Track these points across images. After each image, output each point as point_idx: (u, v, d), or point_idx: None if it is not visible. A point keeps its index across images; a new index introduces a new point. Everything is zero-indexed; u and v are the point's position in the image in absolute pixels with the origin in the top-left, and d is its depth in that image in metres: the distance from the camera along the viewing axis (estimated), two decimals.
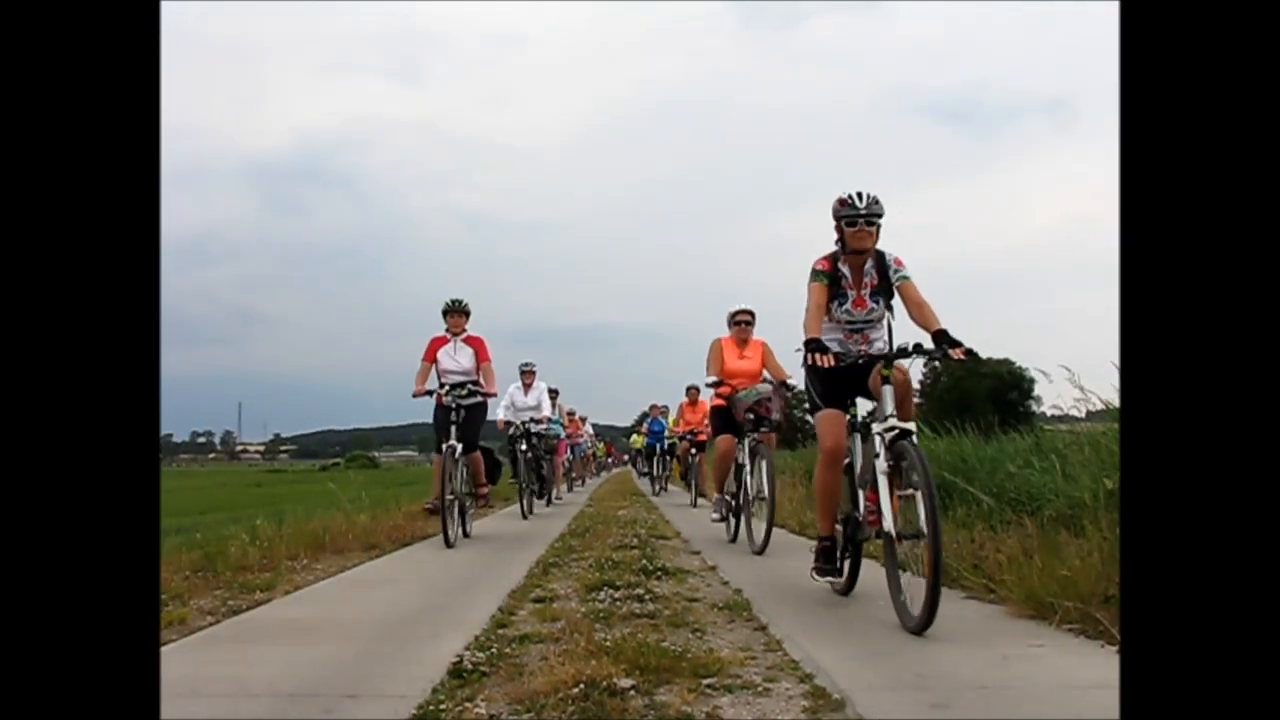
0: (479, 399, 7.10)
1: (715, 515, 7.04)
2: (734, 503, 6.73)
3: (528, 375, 10.63)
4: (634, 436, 28.31)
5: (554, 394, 13.22)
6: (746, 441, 6.38)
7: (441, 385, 7.00)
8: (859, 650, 2.99)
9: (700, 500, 11.49)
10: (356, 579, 5.02)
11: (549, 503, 11.63)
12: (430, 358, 7.20)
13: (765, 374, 6.66)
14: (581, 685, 2.45)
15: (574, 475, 18.42)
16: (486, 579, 4.86)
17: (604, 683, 2.48)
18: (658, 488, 16.02)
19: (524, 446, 9.91)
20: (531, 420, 10.19)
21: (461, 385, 6.92)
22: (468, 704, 2.40)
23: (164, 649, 3.07)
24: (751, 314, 6.75)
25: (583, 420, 21.53)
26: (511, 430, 10.11)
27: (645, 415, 21.54)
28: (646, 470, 18.08)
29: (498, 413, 10.06)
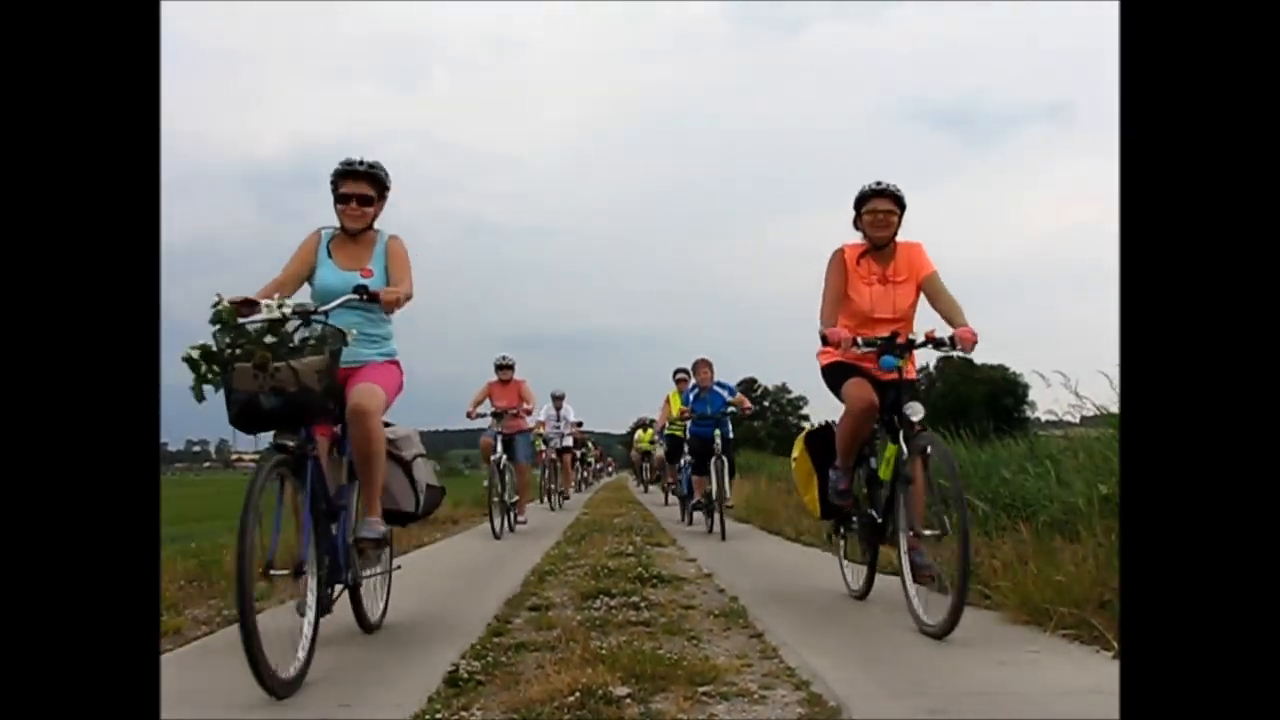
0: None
1: None
2: None
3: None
4: (641, 432, 20.20)
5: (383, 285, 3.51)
6: None
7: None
8: (855, 657, 2.99)
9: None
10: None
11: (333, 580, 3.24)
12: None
13: None
14: (577, 693, 2.45)
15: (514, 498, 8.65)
16: (482, 586, 4.84)
17: (600, 691, 2.48)
18: (710, 519, 8.19)
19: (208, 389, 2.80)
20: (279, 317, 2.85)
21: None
22: (463, 713, 2.39)
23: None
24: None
25: (558, 402, 12.44)
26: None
27: (642, 423, 18.75)
28: (685, 487, 9.60)
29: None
